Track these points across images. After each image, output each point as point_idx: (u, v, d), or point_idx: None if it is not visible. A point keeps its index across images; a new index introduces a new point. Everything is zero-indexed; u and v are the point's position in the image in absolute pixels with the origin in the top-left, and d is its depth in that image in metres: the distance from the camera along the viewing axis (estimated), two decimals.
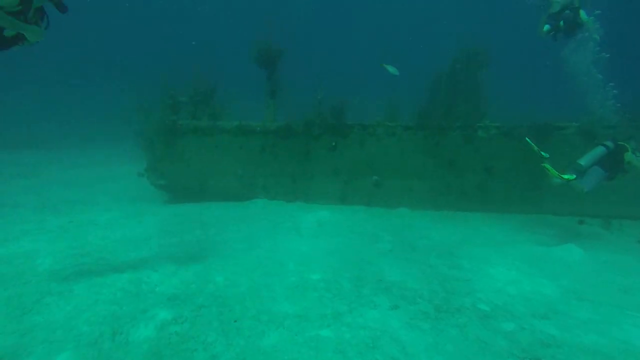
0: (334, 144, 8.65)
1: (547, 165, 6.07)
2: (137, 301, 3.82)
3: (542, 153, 6.47)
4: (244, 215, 7.67)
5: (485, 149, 8.34)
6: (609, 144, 6.43)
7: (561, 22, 7.55)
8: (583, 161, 6.30)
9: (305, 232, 6.59)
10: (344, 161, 8.72)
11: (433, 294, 4.19)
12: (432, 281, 4.56)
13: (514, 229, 7.33)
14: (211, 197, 8.89)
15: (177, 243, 5.86)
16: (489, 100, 9.20)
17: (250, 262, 5.02)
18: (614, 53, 8.36)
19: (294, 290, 4.21)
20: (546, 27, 7.68)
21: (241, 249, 5.62)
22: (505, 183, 8.35)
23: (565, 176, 5.97)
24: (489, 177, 8.37)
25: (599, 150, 6.39)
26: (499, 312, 3.81)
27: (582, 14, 7.46)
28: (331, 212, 7.80)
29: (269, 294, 4.07)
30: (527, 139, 6.86)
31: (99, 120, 20.83)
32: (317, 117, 8.68)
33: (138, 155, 10.20)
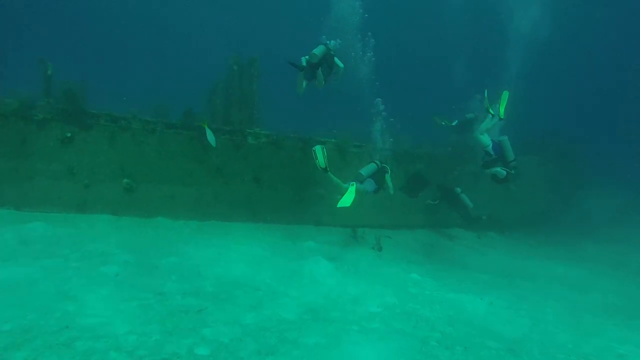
0: (69, 134, 6.49)
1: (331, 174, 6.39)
2: None
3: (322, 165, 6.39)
4: None
5: (255, 157, 7.94)
6: (378, 162, 7.38)
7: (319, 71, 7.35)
8: (364, 171, 7.09)
9: None
10: (84, 159, 6.67)
11: (141, 342, 3.05)
12: (151, 319, 3.43)
13: (277, 241, 7.08)
14: None
15: None
16: (266, 111, 8.99)
17: None
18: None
19: None
20: (304, 83, 7.43)
21: None
22: (274, 193, 8.16)
23: (348, 185, 6.43)
24: (257, 187, 7.99)
25: (372, 166, 7.26)
26: (222, 354, 3.02)
27: (337, 60, 7.63)
28: (52, 225, 5.68)
29: None
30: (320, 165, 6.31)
31: None
32: (45, 96, 6.35)
33: None
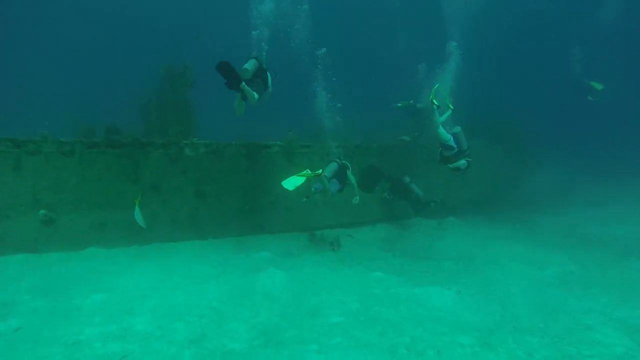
0: None
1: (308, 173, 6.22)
2: None
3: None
4: None
5: (195, 169, 7.20)
6: (338, 160, 7.16)
7: None
8: (327, 172, 6.80)
9: None
10: None
11: None
12: None
13: (229, 256, 6.40)
14: None
15: None
16: (206, 119, 8.32)
17: None
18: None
19: None
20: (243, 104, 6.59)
21: None
22: (220, 205, 7.46)
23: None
24: (201, 201, 7.26)
25: (334, 165, 7.04)
26: None
27: (269, 77, 6.79)
28: None
29: None
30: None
31: None
32: None
33: None
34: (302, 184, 6.24)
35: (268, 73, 6.75)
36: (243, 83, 6.02)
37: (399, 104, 10.03)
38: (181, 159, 7.09)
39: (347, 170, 7.26)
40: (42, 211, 5.88)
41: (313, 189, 6.71)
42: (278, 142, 8.17)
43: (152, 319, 3.78)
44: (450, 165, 7.67)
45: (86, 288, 4.55)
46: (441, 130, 7.32)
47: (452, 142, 7.45)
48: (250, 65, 6.35)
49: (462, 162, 7.58)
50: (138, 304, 4.11)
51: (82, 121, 6.81)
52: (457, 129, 7.65)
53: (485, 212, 11.27)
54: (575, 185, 16.28)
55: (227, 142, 7.51)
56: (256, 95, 6.27)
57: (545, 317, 4.38)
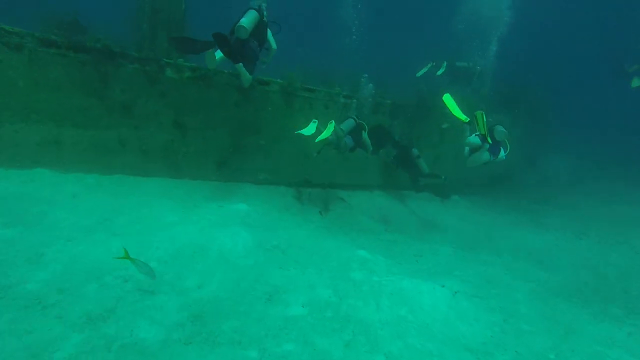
0: None
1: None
2: None
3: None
4: None
5: (176, 95, 6.03)
6: (355, 118, 6.45)
7: None
8: (343, 127, 6.18)
9: None
10: None
11: None
12: None
13: (199, 203, 5.46)
14: None
15: None
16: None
17: None
18: None
19: None
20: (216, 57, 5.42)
21: None
22: (202, 142, 6.38)
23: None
24: (179, 133, 6.17)
25: (351, 122, 6.36)
26: None
27: (270, 36, 5.74)
28: None
29: None
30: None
31: None
32: None
33: None
34: (315, 133, 5.51)
35: (269, 32, 5.58)
36: (240, 64, 5.09)
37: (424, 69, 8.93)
38: (161, 80, 5.89)
39: (363, 132, 6.52)
40: None
41: (326, 141, 5.87)
42: (278, 79, 6.88)
43: (56, 276, 2.85)
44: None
45: (1, 220, 3.61)
46: (470, 140, 6.10)
47: (478, 141, 6.17)
48: (248, 20, 5.00)
49: (502, 155, 6.41)
50: (51, 250, 3.17)
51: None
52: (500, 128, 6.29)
53: (494, 194, 10.16)
54: (598, 175, 14.80)
55: (219, 70, 6.25)
56: (249, 77, 5.33)
57: (557, 343, 3.46)
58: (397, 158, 7.88)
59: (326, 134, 5.49)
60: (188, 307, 2.77)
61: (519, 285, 4.81)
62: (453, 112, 6.05)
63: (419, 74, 9.53)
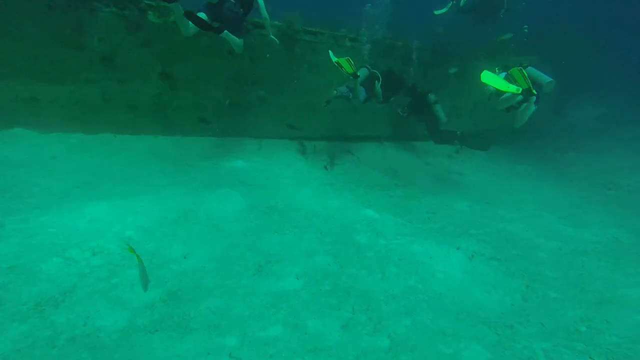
0: None
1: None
2: None
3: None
4: None
5: (163, 43, 5.36)
6: (369, 67, 5.84)
7: None
8: (360, 73, 5.47)
9: None
10: None
11: None
12: None
13: (192, 161, 5.01)
14: None
15: None
16: None
17: None
18: None
19: None
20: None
21: None
22: (194, 95, 5.79)
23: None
24: (167, 86, 5.58)
25: (364, 71, 5.71)
26: None
27: None
28: None
29: None
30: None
31: None
32: None
33: None
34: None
35: None
36: (226, 31, 4.18)
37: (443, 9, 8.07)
38: (143, 26, 5.20)
39: (377, 82, 5.84)
40: None
41: (336, 92, 5.35)
42: (276, 22, 6.06)
43: (11, 251, 2.48)
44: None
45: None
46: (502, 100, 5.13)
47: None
48: None
49: (532, 109, 5.47)
50: (12, 220, 2.80)
51: None
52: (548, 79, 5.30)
53: (515, 144, 9.38)
54: (629, 120, 13.62)
55: None
56: (239, 41, 4.50)
57: (588, 314, 3.02)
58: (411, 106, 7.03)
59: (348, 69, 4.89)
60: (163, 284, 2.40)
61: (542, 244, 4.32)
62: (500, 89, 4.97)
63: (438, 12, 8.38)
